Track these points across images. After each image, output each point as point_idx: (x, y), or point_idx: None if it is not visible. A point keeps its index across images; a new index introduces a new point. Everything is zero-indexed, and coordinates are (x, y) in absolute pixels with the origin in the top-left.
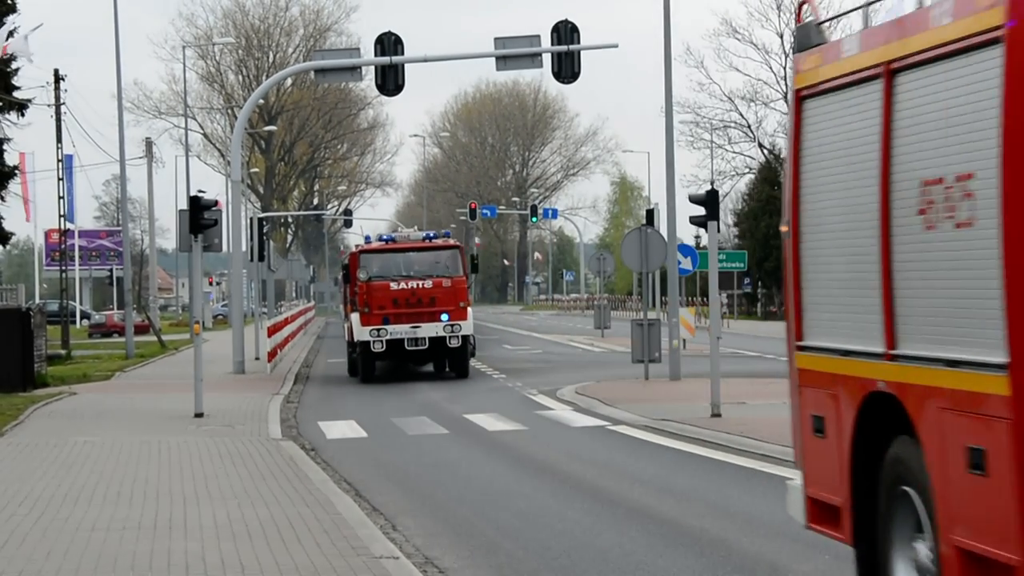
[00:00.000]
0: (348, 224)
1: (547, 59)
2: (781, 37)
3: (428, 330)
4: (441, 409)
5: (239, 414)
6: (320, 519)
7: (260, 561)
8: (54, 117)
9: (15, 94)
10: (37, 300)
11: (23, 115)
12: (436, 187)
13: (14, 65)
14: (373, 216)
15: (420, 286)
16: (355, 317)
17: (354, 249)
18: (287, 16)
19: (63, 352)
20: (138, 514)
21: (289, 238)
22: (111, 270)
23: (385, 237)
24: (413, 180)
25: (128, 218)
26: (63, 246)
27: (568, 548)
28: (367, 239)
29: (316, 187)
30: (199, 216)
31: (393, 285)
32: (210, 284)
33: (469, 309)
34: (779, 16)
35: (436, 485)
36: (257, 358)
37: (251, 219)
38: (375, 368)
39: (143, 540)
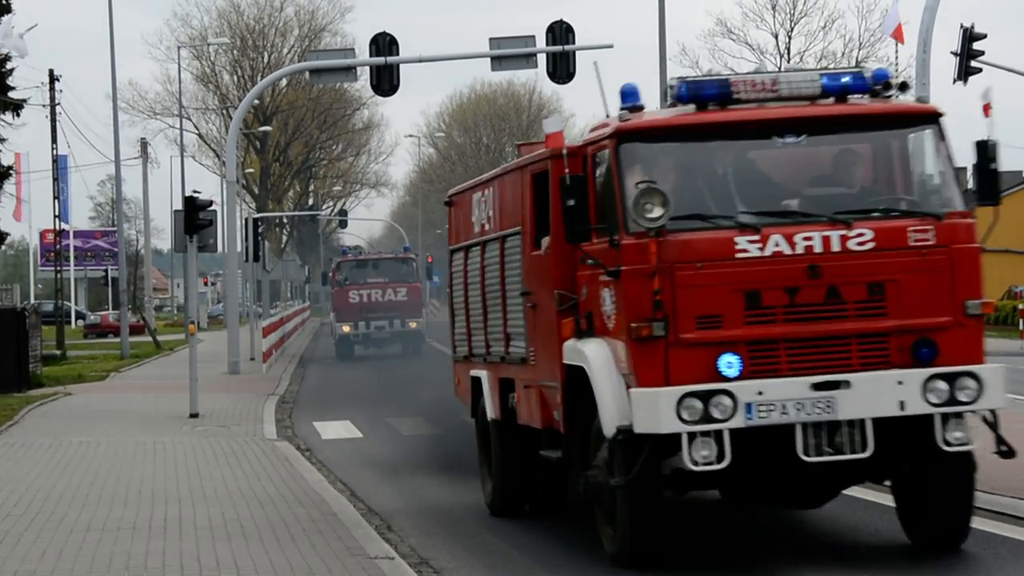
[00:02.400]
0: (343, 224)
1: (542, 59)
2: (776, 38)
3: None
4: (436, 409)
5: (234, 414)
6: (315, 519)
7: (255, 561)
8: (49, 117)
9: (10, 94)
10: (32, 300)
11: (18, 115)
12: (431, 187)
13: (9, 65)
14: (368, 216)
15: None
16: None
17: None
18: (282, 16)
19: (58, 352)
20: (133, 514)
21: (284, 238)
22: (106, 270)
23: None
24: (408, 180)
25: (123, 218)
26: (58, 246)
27: (561, 548)
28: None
29: (311, 188)
30: (194, 216)
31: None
32: (205, 284)
33: None
34: (774, 17)
35: (431, 485)
36: (252, 358)
37: (246, 219)
38: None
39: (138, 541)
